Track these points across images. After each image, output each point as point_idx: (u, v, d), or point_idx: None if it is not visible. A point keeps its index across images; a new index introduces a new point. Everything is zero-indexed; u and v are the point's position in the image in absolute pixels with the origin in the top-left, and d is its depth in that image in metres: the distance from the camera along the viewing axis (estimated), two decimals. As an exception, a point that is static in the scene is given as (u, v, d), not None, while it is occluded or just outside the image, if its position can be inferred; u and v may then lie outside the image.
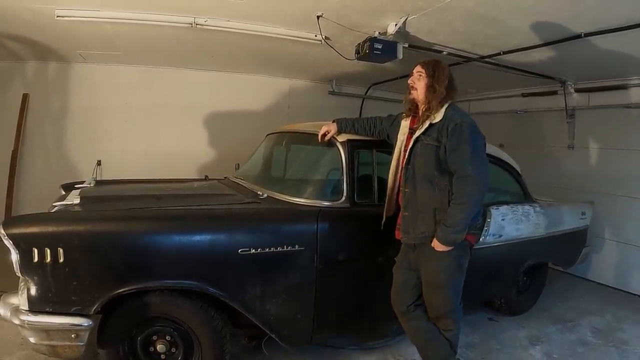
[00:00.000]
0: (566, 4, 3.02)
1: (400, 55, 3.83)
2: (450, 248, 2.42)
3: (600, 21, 3.22)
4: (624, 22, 3.16)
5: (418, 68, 2.59)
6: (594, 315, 4.11)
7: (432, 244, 2.44)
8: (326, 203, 2.82)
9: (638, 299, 4.65)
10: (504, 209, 3.31)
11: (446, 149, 2.43)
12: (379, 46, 3.69)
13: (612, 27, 3.26)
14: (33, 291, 2.14)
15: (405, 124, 2.70)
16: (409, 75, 2.68)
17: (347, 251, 2.76)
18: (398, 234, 2.68)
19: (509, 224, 3.31)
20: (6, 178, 5.38)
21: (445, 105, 2.50)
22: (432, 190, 2.48)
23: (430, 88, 2.51)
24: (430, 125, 2.48)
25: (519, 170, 3.79)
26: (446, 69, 2.58)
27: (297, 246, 2.58)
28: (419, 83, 2.56)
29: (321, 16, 3.56)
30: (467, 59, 4.49)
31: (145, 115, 5.86)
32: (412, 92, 2.60)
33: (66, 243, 2.16)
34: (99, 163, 5.64)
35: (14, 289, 2.33)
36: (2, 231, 2.12)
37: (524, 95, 6.03)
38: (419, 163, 2.51)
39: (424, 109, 2.54)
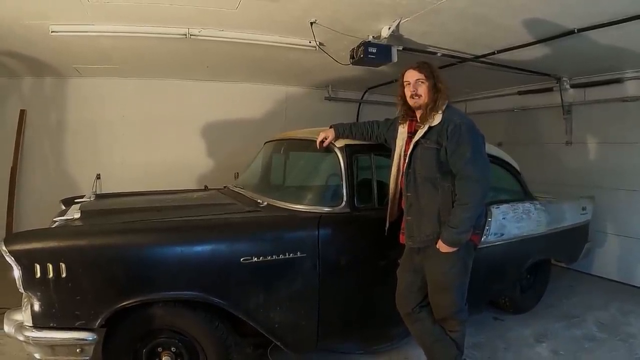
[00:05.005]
0: (557, 0, 3.03)
1: (394, 58, 3.84)
2: (455, 249, 2.43)
3: (592, 15, 3.24)
4: (616, 16, 3.18)
5: (415, 75, 2.53)
6: (599, 310, 4.10)
7: (437, 246, 2.45)
8: (326, 209, 2.82)
9: (643, 292, 4.65)
10: (504, 207, 3.32)
11: (447, 150, 2.43)
12: (374, 50, 3.71)
13: (605, 22, 3.28)
14: (36, 307, 2.14)
15: (403, 129, 2.70)
16: (398, 81, 2.67)
17: (349, 256, 2.76)
18: (402, 239, 2.68)
19: (510, 223, 3.32)
20: (6, 195, 5.39)
21: (443, 107, 2.50)
22: (435, 192, 2.49)
23: (434, 88, 2.50)
24: (429, 128, 2.49)
25: (518, 168, 3.80)
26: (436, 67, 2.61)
27: (299, 253, 2.58)
28: (421, 88, 2.52)
29: (314, 22, 3.58)
30: (462, 60, 4.51)
31: (143, 127, 5.88)
32: (415, 99, 2.54)
33: (68, 258, 2.15)
34: (98, 177, 5.64)
35: (17, 306, 2.32)
36: (4, 248, 2.12)
37: (520, 93, 6.05)
38: (420, 166, 2.51)
39: (429, 109, 2.50)
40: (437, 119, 2.47)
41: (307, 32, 3.75)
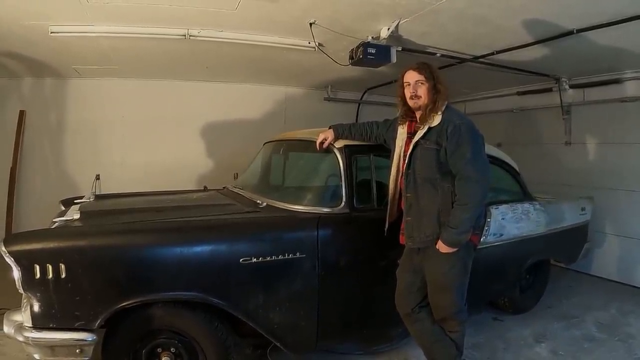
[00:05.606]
0: (556, 0, 3.03)
1: (394, 59, 3.84)
2: (455, 249, 2.43)
3: (591, 16, 3.24)
4: (616, 16, 3.18)
5: (415, 76, 2.53)
6: (598, 310, 4.10)
7: (437, 246, 2.45)
8: (326, 209, 2.82)
9: (642, 293, 4.65)
10: (503, 208, 3.32)
11: (446, 151, 2.43)
12: (373, 51, 3.71)
13: (604, 22, 3.28)
14: (36, 307, 2.14)
15: (402, 130, 2.70)
16: (398, 82, 2.68)
17: (348, 256, 2.77)
18: (402, 239, 2.69)
19: (509, 223, 3.32)
20: (5, 195, 5.39)
21: (442, 108, 2.50)
22: (435, 192, 2.49)
23: (433, 89, 2.51)
24: (429, 128, 2.49)
25: (517, 168, 3.80)
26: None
27: (298, 253, 2.58)
28: (421, 90, 2.51)
29: (314, 23, 3.58)
30: (461, 60, 4.51)
31: (143, 128, 5.88)
32: (415, 101, 2.54)
33: (67, 258, 2.15)
34: (97, 177, 5.64)
35: (17, 306, 2.32)
36: (3, 248, 2.12)
37: (519, 93, 6.05)
38: (420, 167, 2.51)
39: (429, 110, 2.50)
40: (436, 119, 2.48)
41: (306, 33, 3.75)
